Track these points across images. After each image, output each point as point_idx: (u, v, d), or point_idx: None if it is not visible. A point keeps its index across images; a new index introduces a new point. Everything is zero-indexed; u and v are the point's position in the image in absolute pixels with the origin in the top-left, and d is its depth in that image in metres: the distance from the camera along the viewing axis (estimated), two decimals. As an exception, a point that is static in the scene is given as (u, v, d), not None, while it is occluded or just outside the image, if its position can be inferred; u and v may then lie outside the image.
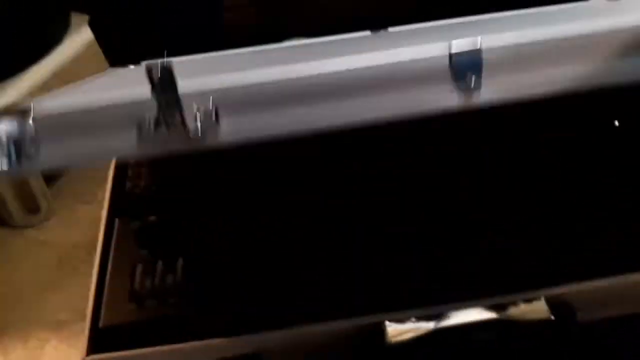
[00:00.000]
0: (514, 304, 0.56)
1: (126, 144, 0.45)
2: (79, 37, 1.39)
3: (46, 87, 1.32)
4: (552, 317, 0.56)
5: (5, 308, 1.21)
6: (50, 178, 1.46)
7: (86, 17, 1.48)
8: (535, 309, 0.55)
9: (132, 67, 0.46)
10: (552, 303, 0.56)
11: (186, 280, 0.59)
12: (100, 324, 0.59)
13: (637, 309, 0.62)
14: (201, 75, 0.46)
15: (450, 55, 0.45)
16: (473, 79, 0.45)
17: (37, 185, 1.35)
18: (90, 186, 1.48)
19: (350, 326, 0.55)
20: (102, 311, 0.61)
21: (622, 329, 0.63)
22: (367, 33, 0.48)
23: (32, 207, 1.38)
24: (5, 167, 0.43)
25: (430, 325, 0.55)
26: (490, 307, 0.55)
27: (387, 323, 0.54)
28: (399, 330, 0.54)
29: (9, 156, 0.43)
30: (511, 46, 0.46)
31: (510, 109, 0.49)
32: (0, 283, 1.26)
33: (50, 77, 1.34)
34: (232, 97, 0.45)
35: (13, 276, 1.28)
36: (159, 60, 0.44)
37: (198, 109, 0.44)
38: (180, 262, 0.62)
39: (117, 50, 0.77)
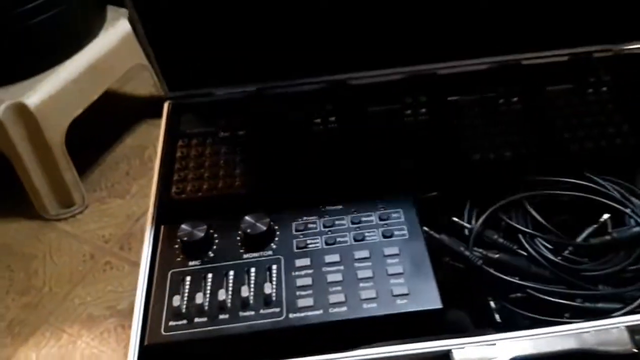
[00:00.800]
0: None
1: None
2: (115, 31, 1.38)
3: (81, 80, 1.31)
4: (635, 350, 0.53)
5: (37, 303, 1.20)
6: (84, 171, 1.46)
7: (122, 11, 1.47)
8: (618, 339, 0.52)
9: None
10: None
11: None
12: (146, 342, 0.55)
13: None
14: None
15: None
16: None
17: (71, 178, 1.35)
18: (124, 180, 1.47)
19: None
20: (148, 328, 0.56)
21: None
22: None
23: (65, 200, 1.37)
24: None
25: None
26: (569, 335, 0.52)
27: (453, 351, 0.51)
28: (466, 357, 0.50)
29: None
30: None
31: None
32: (33, 276, 1.26)
33: (86, 71, 1.33)
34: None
35: (46, 270, 1.28)
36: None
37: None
38: (231, 275, 0.59)
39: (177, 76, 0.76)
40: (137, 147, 1.52)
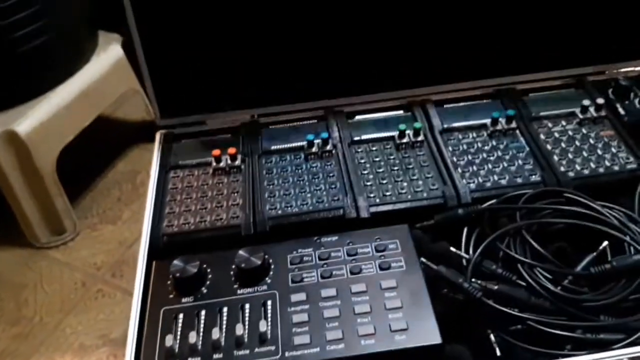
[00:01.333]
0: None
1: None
2: (106, 56, 1.37)
3: (73, 106, 1.30)
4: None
5: (28, 333, 1.18)
6: (76, 197, 1.44)
7: (114, 36, 1.46)
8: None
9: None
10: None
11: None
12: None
13: None
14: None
15: None
16: None
17: (63, 205, 1.33)
18: (115, 206, 1.45)
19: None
20: None
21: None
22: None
23: (56, 227, 1.35)
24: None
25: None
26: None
27: None
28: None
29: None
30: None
31: None
32: (23, 306, 1.24)
33: (78, 97, 1.32)
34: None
35: (36, 299, 1.26)
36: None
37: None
38: (224, 312, 0.57)
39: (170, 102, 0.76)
40: (128, 172, 1.50)
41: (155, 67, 0.75)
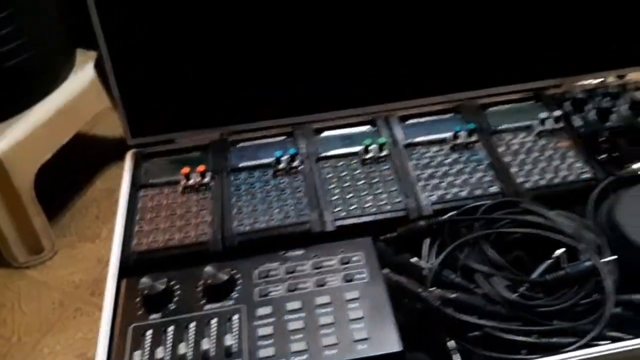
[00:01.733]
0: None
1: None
2: (84, 74, 1.39)
3: (50, 125, 1.31)
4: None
5: (5, 353, 1.18)
6: (54, 215, 1.45)
7: (91, 54, 1.48)
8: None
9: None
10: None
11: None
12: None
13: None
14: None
15: None
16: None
17: (40, 224, 1.34)
18: (94, 224, 1.46)
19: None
20: None
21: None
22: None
23: (34, 246, 1.36)
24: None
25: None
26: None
27: None
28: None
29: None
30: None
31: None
32: (1, 326, 1.24)
33: (55, 115, 1.33)
34: None
35: (14, 318, 1.26)
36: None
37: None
38: (192, 327, 0.59)
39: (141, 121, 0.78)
40: (106, 190, 1.52)
41: (125, 87, 0.77)
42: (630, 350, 0.58)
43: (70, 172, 1.54)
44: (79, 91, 1.38)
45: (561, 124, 0.80)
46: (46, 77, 1.34)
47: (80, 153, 1.55)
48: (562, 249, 0.66)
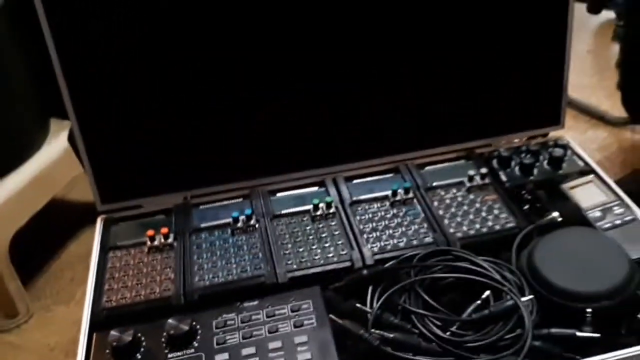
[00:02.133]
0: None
1: None
2: (57, 143, 1.45)
3: (24, 192, 1.37)
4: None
5: (-20, 418, 1.20)
6: (29, 279, 1.48)
7: (65, 123, 1.55)
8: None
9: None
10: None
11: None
12: None
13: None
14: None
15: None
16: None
17: (15, 288, 1.37)
18: (68, 287, 1.50)
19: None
20: None
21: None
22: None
23: (9, 310, 1.39)
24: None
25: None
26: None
27: None
28: None
29: None
30: None
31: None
32: (-24, 392, 1.26)
33: (29, 183, 1.39)
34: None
35: (-11, 384, 1.28)
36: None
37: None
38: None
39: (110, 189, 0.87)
40: (81, 254, 1.56)
41: (95, 158, 0.85)
42: (547, 378, 0.66)
43: (45, 236, 1.58)
44: (53, 159, 1.44)
45: (488, 180, 0.90)
46: (20, 146, 1.39)
47: (55, 218, 1.60)
48: (488, 291, 0.74)
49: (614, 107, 1.89)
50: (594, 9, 2.05)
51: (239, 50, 0.84)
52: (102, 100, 0.83)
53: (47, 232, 1.60)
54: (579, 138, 1.84)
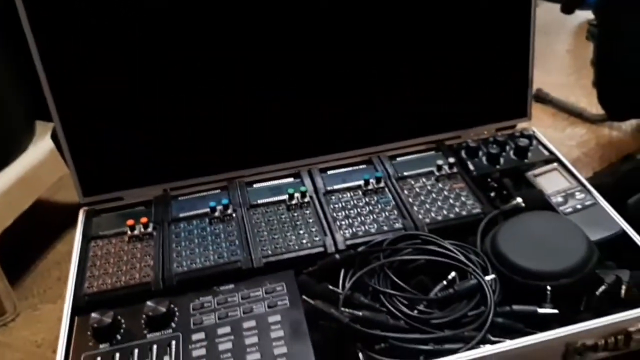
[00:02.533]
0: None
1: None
2: (43, 144, 1.48)
3: (10, 193, 1.40)
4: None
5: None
6: (16, 278, 1.50)
7: (50, 125, 1.57)
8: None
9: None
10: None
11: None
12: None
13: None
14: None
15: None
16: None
17: (2, 287, 1.39)
18: (55, 285, 1.52)
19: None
20: None
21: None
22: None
23: (-4, 310, 1.41)
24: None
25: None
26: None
27: None
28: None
29: None
30: None
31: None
32: (-37, 389, 1.27)
33: (15, 184, 1.41)
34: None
35: (-24, 381, 1.30)
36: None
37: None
38: (135, 353, 0.69)
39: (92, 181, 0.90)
40: (68, 253, 1.55)
41: (77, 153, 0.89)
42: (507, 350, 0.69)
43: (31, 236, 1.60)
44: (39, 161, 1.46)
45: (456, 169, 0.94)
46: (6, 148, 1.42)
47: (42, 218, 1.63)
48: (454, 272, 0.78)
49: (592, 105, 1.94)
50: (567, 9, 2.10)
51: (216, 47, 0.88)
52: (83, 95, 0.86)
53: (34, 232, 1.62)
54: (558, 135, 1.88)
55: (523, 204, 0.88)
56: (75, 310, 0.76)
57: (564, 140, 1.86)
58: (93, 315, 0.71)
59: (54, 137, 0.91)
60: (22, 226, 1.44)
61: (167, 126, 0.91)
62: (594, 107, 1.92)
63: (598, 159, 1.79)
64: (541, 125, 1.90)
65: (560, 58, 2.30)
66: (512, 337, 0.71)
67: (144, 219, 0.86)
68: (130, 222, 0.85)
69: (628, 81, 1.53)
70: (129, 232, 0.85)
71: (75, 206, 1.75)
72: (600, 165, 1.74)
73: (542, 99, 1.97)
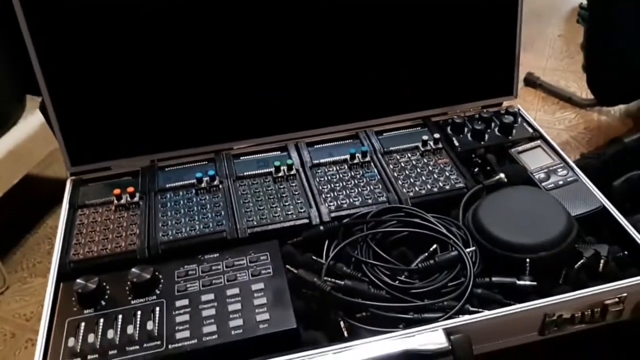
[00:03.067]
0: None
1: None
2: (33, 119, 1.48)
3: (1, 165, 1.40)
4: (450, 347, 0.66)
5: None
6: (6, 252, 1.51)
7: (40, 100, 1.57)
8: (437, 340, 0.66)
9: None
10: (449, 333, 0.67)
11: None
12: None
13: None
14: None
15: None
16: None
17: (-8, 261, 1.40)
18: (45, 259, 1.53)
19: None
20: None
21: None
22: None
23: (-14, 283, 1.42)
24: None
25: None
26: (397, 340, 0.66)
27: None
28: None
29: None
30: None
31: None
32: (-47, 360, 1.29)
33: (4, 158, 1.41)
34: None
35: (-34, 353, 1.31)
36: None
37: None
38: (120, 318, 0.70)
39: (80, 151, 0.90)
40: (58, 227, 1.59)
41: (65, 122, 0.89)
42: (485, 320, 0.70)
43: (22, 210, 1.61)
44: (28, 135, 1.47)
45: (441, 145, 0.95)
46: (-5, 123, 1.42)
47: (33, 193, 1.63)
48: (435, 244, 0.80)
49: (582, 90, 1.95)
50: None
51: (206, 20, 0.88)
52: (70, 65, 0.86)
53: (25, 207, 1.63)
54: (547, 119, 1.90)
55: (506, 179, 0.89)
56: (61, 277, 0.77)
57: (553, 124, 1.87)
58: (78, 281, 0.72)
59: (43, 109, 0.91)
60: (12, 200, 1.45)
61: (155, 97, 0.91)
62: (584, 92, 1.93)
63: (586, 143, 1.80)
64: (531, 109, 1.92)
65: (552, 42, 2.31)
66: (491, 308, 0.72)
67: (130, 189, 0.86)
68: (117, 191, 0.86)
69: (617, 66, 1.54)
70: (115, 202, 0.86)
71: (65, 181, 1.76)
72: (588, 149, 1.76)
73: (532, 82, 1.98)
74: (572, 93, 1.95)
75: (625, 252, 0.80)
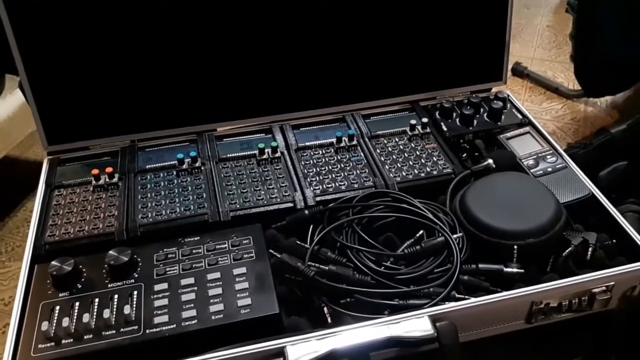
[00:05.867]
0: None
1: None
2: (12, 99, 1.45)
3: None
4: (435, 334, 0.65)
5: None
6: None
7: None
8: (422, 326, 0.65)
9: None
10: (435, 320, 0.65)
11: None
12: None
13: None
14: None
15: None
16: None
17: (-31, 244, 1.37)
18: (24, 243, 1.50)
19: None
20: (19, 351, 0.64)
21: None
22: None
23: (-38, 266, 1.38)
24: None
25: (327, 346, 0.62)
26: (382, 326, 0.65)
27: (288, 348, 0.61)
28: (299, 352, 0.61)
29: None
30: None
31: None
32: None
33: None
34: None
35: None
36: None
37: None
38: (96, 302, 0.68)
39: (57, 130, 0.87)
40: (35, 209, 1.56)
41: (42, 100, 0.86)
42: (472, 307, 0.69)
43: (0, 193, 1.58)
44: (7, 115, 1.44)
45: (429, 129, 0.93)
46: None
47: (12, 176, 1.60)
48: (422, 230, 0.78)
49: (570, 80, 1.95)
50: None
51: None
52: (47, 42, 0.83)
53: (3, 190, 1.59)
54: (534, 109, 1.89)
55: (494, 165, 0.87)
56: (36, 259, 0.74)
57: (539, 114, 1.87)
58: (53, 263, 0.69)
59: (22, 87, 0.88)
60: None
61: (136, 75, 0.88)
62: (571, 83, 1.93)
63: (572, 133, 1.80)
64: (518, 99, 1.91)
65: (540, 32, 2.30)
66: (477, 295, 0.71)
67: (109, 169, 0.84)
68: (95, 171, 0.83)
69: (605, 56, 1.54)
70: (93, 182, 0.83)
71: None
72: (575, 140, 1.76)
73: (520, 72, 1.97)
74: (559, 84, 1.95)
75: (614, 241, 0.79)
